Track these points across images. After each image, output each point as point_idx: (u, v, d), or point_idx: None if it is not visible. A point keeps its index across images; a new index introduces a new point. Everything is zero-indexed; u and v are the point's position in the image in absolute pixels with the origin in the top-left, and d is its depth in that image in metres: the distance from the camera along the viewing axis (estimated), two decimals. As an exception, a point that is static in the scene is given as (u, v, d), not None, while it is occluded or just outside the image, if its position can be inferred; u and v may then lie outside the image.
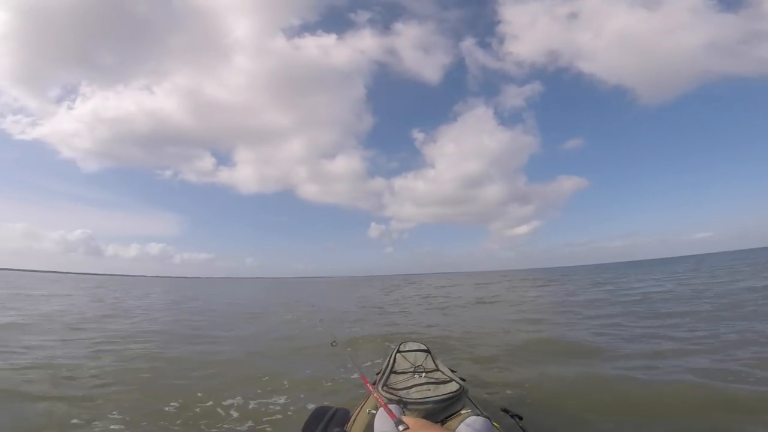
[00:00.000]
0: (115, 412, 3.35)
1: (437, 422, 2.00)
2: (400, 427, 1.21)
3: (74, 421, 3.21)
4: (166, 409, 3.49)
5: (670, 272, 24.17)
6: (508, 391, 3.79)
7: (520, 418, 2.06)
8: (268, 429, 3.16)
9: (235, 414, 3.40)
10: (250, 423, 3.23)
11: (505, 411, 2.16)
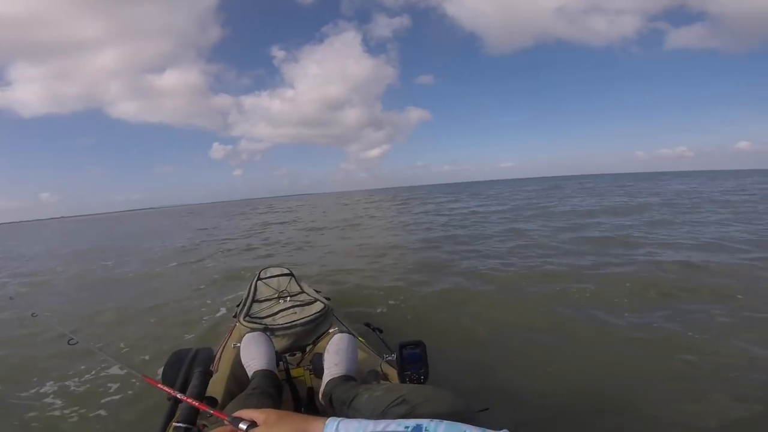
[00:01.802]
0: None
1: (308, 344, 2.00)
2: (242, 425, 0.83)
3: None
4: None
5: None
6: (371, 308, 4.06)
7: (381, 331, 2.22)
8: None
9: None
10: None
11: (367, 325, 2.34)
